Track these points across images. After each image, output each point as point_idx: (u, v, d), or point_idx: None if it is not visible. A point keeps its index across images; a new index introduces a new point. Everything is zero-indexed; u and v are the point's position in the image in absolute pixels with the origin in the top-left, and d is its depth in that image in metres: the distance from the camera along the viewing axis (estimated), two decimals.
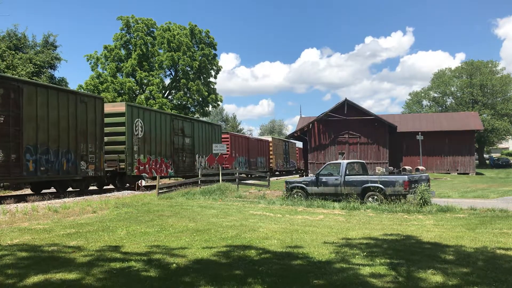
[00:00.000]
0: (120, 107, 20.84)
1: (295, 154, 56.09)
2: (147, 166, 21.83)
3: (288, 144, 51.96)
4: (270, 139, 44.48)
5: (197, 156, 27.10)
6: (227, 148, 30.10)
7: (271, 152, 43.43)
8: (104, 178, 20.28)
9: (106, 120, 19.80)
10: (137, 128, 21.14)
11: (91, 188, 22.21)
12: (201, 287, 5.04)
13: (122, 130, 20.28)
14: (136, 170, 20.82)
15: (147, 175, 21.99)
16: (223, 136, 32.36)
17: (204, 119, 48.13)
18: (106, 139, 19.82)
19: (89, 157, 18.16)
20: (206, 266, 6.06)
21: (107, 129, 19.83)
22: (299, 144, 60.38)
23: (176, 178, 29.72)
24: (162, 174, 23.21)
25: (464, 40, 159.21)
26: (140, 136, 21.34)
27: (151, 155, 22.38)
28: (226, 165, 27.82)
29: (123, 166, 20.18)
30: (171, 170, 24.39)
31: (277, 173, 47.27)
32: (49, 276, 5.45)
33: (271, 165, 43.27)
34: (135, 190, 20.74)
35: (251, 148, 37.13)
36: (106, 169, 19.72)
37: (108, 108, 20.54)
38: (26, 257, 6.57)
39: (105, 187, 22.00)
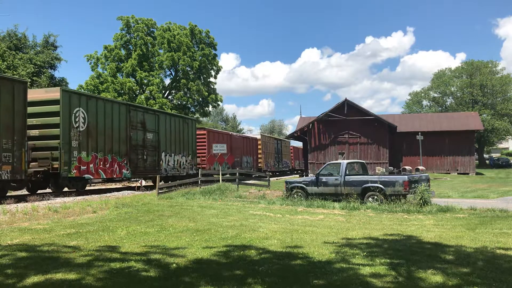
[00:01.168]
0: (54, 93, 17.11)
1: (289, 153, 52.73)
2: (91, 165, 18.12)
3: (280, 143, 48.18)
4: (258, 136, 40.40)
5: (163, 154, 23.25)
6: (204, 146, 27.89)
7: (259, 151, 39.43)
8: (28, 182, 16.38)
9: (37, 109, 16.51)
10: (77, 120, 17.44)
11: (91, 188, 22.06)
12: (201, 287, 5.04)
13: (56, 122, 16.56)
14: (75, 171, 17.22)
15: (91, 177, 18.54)
16: (198, 132, 28.58)
17: (171, 111, 40.24)
18: (37, 132, 16.61)
19: (3, 156, 14.43)
20: (206, 266, 6.06)
21: (37, 120, 16.54)
22: (297, 143, 58.47)
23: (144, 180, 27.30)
24: (114, 176, 19.88)
25: (465, 40, 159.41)
26: (82, 129, 17.68)
27: (98, 152, 18.63)
28: (203, 165, 26.68)
29: (57, 166, 16.43)
30: (127, 170, 20.46)
31: (267, 173, 44.48)
32: (49, 276, 5.45)
33: (259, 165, 39.13)
34: (135, 190, 20.73)
35: (235, 146, 33.46)
36: (36, 169, 16.29)
37: (39, 94, 17.25)
38: (26, 257, 6.57)
39: (38, 192, 18.31)
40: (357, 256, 6.62)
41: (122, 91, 44.69)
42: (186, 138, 25.94)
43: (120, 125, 20.17)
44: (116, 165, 19.82)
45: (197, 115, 50.70)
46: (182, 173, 25.01)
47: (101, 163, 18.87)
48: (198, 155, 27.40)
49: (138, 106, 24.03)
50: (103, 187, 24.38)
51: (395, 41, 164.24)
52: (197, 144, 27.55)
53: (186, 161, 25.71)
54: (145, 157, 21.84)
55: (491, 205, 13.12)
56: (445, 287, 5.09)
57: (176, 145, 24.78)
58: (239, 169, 30.55)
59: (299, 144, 61.41)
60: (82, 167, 17.69)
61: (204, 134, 28.74)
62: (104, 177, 19.34)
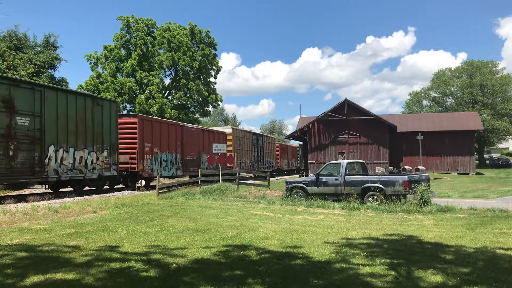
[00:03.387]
0: None
1: (273, 151, 44.98)
2: None
3: (261, 139, 40.83)
4: (228, 130, 33.71)
5: (52, 149, 16.36)
6: (135, 139, 21.28)
7: (229, 148, 32.46)
8: None
9: None
10: None
11: (91, 188, 21.99)
12: (201, 287, 5.04)
13: None
14: None
15: None
16: (125, 120, 21.66)
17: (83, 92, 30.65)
18: None
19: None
20: (206, 266, 6.05)
21: None
22: (293, 142, 57.05)
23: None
24: None
25: (466, 40, 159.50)
26: None
27: None
28: (133, 165, 21.15)
29: None
30: None
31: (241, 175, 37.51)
32: (49, 276, 5.45)
33: (229, 165, 31.09)
34: (135, 190, 20.73)
35: (189, 141, 26.43)
36: None
37: None
38: (26, 257, 6.57)
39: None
40: (357, 256, 6.62)
41: (122, 91, 44.70)
42: (100, 127, 19.10)
43: None
44: None
45: (197, 115, 50.73)
46: (91, 175, 18.50)
47: None
48: (125, 150, 21.05)
49: None
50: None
51: (396, 40, 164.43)
52: (123, 136, 21.08)
53: (99, 158, 18.94)
54: (10, 152, 14.68)
55: (491, 205, 13.11)
56: (445, 287, 5.08)
57: (80, 136, 17.90)
58: (193, 169, 26.30)
59: (293, 142, 60.13)
60: None
61: (134, 123, 21.43)
62: None
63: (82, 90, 43.86)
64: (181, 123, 26.51)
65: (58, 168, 16.75)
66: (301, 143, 52.48)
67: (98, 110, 19.13)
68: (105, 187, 21.17)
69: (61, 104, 16.99)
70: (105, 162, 19.39)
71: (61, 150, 16.94)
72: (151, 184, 23.14)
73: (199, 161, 27.76)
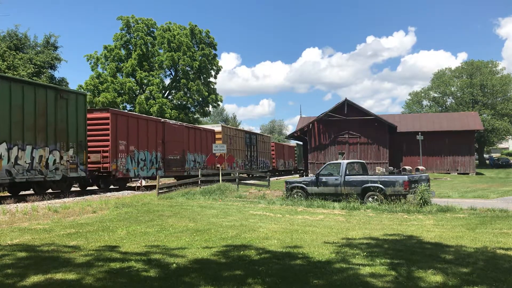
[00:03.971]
0: None
1: (268, 151, 42.92)
2: None
3: (255, 138, 38.75)
4: (218, 128, 31.71)
5: (2, 146, 14.59)
6: (107, 136, 19.50)
7: None
8: None
9: None
10: None
11: (92, 188, 21.88)
12: (201, 287, 5.04)
13: None
14: None
15: None
16: (95, 115, 19.79)
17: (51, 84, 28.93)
18: None
19: None
20: (206, 266, 6.05)
21: None
22: (293, 142, 55.51)
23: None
24: None
25: (466, 40, 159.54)
26: None
27: None
28: (105, 164, 19.39)
29: None
30: None
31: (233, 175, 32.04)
32: (49, 276, 5.45)
33: (219, 165, 29.18)
34: (135, 190, 20.73)
35: (171, 139, 24.45)
36: None
37: None
38: (26, 257, 6.57)
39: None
40: (357, 256, 6.62)
41: (122, 91, 44.71)
42: (64, 122, 17.04)
43: None
44: None
45: (197, 115, 50.74)
46: (53, 176, 16.63)
47: None
48: (96, 148, 19.36)
49: None
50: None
51: (396, 40, 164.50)
52: (95, 132, 19.30)
53: (63, 158, 16.91)
54: None
55: (491, 205, 13.11)
56: (445, 287, 5.08)
57: (40, 132, 16.04)
58: (176, 169, 24.58)
59: (291, 142, 59.15)
60: None
61: (106, 119, 19.65)
62: None
63: (82, 90, 43.93)
64: (162, 119, 24.76)
65: (12, 168, 14.76)
66: (299, 142, 52.31)
67: (62, 103, 16.96)
68: (74, 189, 19.38)
69: (15, 96, 14.98)
70: (70, 161, 17.31)
71: (15, 148, 14.96)
72: (128, 185, 22.27)
73: (183, 161, 25.70)
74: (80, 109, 18.16)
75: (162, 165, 23.50)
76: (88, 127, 18.84)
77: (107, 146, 19.55)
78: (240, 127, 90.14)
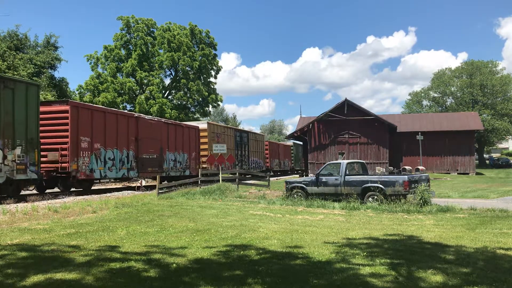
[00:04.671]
0: None
1: (262, 150, 40.39)
2: None
3: (247, 136, 36.38)
4: (203, 125, 28.82)
5: None
6: (66, 132, 17.27)
7: (204, 146, 28.31)
8: None
9: None
10: None
11: (92, 188, 21.75)
12: (201, 287, 5.04)
13: None
14: None
15: None
16: (52, 108, 17.64)
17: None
18: None
19: None
20: (206, 266, 6.05)
21: None
22: (290, 141, 53.33)
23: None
24: None
25: (467, 40, 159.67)
26: None
27: None
28: (64, 163, 17.10)
29: None
30: None
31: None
32: (49, 276, 5.45)
33: (204, 165, 27.53)
34: (135, 190, 20.73)
35: (147, 136, 22.17)
36: None
37: None
38: (26, 257, 6.57)
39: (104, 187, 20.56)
40: (357, 256, 6.62)
41: (122, 91, 44.72)
42: (9, 116, 14.78)
43: None
44: None
45: (197, 115, 50.76)
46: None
47: None
48: (54, 146, 17.19)
49: None
50: (103, 187, 24.32)
51: (397, 40, 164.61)
52: (52, 127, 17.29)
53: (7, 157, 14.70)
54: None
55: (491, 205, 13.11)
56: (445, 287, 5.08)
57: None
58: (152, 169, 22.23)
59: (288, 141, 57.76)
60: None
61: (65, 112, 17.40)
62: None
63: (82, 90, 43.92)
64: (136, 114, 22.41)
65: None
66: (296, 141, 52.05)
67: (7, 94, 14.59)
68: (29, 191, 17.88)
69: None
70: (17, 162, 14.92)
71: None
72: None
73: (160, 160, 23.29)
74: (31, 101, 15.57)
75: (135, 165, 20.98)
76: (46, 122, 16.83)
77: (66, 143, 17.18)
78: (240, 127, 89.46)
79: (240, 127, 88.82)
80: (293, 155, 53.77)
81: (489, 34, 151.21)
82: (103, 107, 24.33)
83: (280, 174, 46.30)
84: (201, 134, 28.04)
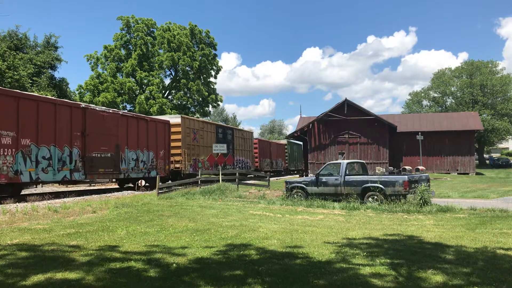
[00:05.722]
0: None
1: (250, 148, 36.81)
2: None
3: (231, 133, 32.89)
4: (176, 120, 25.31)
5: None
6: None
7: (177, 144, 24.79)
8: None
9: None
10: None
11: (91, 188, 21.71)
12: (201, 287, 5.04)
13: None
14: None
15: None
16: None
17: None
18: None
19: None
20: (206, 266, 6.05)
21: None
22: (284, 140, 51.27)
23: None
24: None
25: (467, 40, 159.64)
26: None
27: None
28: None
29: None
30: None
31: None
32: (49, 275, 5.45)
33: (178, 165, 24.73)
34: (135, 190, 20.73)
35: (97, 131, 18.58)
36: None
37: None
38: (26, 257, 6.57)
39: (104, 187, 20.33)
40: (357, 256, 6.62)
41: (122, 91, 44.74)
42: None
43: None
44: None
45: (197, 115, 50.83)
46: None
47: None
48: None
49: None
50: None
51: (397, 40, 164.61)
52: None
53: None
54: None
55: (491, 205, 13.12)
56: (445, 287, 5.08)
57: None
58: (106, 170, 19.01)
59: (283, 139, 55.89)
60: None
61: None
62: None
63: (82, 90, 43.92)
64: (84, 104, 18.60)
65: None
66: (291, 140, 51.79)
67: None
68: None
69: None
70: None
71: None
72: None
73: (117, 159, 19.71)
74: None
75: (81, 165, 17.59)
76: None
77: None
78: (240, 127, 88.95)
79: (240, 127, 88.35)
80: (287, 154, 50.22)
81: (489, 34, 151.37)
82: (36, 94, 19.75)
83: (274, 175, 42.18)
84: (173, 129, 24.60)
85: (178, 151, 24.62)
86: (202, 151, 27.04)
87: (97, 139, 18.55)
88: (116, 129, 19.86)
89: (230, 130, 33.10)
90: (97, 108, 19.28)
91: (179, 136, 24.76)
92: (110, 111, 20.11)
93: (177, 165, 24.41)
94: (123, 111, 23.83)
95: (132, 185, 21.91)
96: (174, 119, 25.30)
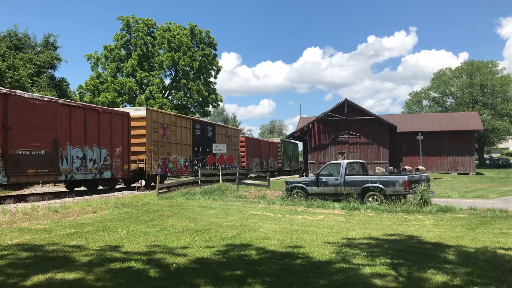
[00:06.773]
0: None
1: (236, 147, 33.82)
2: None
3: (211, 129, 29.60)
4: (140, 112, 21.86)
5: None
6: None
7: (138, 140, 21.40)
8: None
9: None
10: None
11: (24, 192, 19.00)
12: (201, 287, 5.04)
13: None
14: None
15: None
16: None
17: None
18: None
19: None
20: (206, 266, 6.05)
21: None
22: (277, 139, 49.16)
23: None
24: None
25: (467, 40, 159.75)
26: None
27: None
28: None
29: None
30: None
31: (169, 180, 25.62)
32: (49, 276, 5.45)
33: (141, 165, 21.49)
34: (135, 190, 20.72)
35: (26, 123, 15.27)
36: None
37: None
38: (26, 257, 6.57)
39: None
40: (357, 256, 6.62)
41: (122, 91, 44.72)
42: None
43: None
44: None
45: (197, 115, 50.81)
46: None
47: None
48: None
49: None
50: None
51: (398, 40, 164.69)
52: None
53: None
54: None
55: (491, 205, 13.12)
56: (446, 287, 5.08)
57: None
58: (38, 171, 15.47)
59: (276, 138, 53.87)
60: None
61: None
62: None
63: (82, 90, 43.94)
64: (5, 90, 14.95)
65: None
66: (285, 139, 51.62)
67: None
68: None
69: None
70: None
71: None
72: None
73: (54, 158, 16.40)
74: None
75: (3, 166, 14.35)
76: None
77: None
78: (240, 127, 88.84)
79: (240, 127, 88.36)
80: (281, 153, 47.07)
81: (490, 34, 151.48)
82: None
83: (274, 176, 39.86)
84: (137, 123, 21.18)
85: (143, 148, 21.28)
86: (174, 149, 23.94)
87: (25, 133, 15.16)
88: (54, 121, 16.43)
89: (210, 126, 29.79)
90: (25, 95, 15.61)
91: (143, 131, 21.32)
92: (45, 98, 16.59)
93: (142, 165, 21.34)
94: (67, 100, 19.79)
95: (86, 188, 19.44)
96: (138, 111, 21.82)
